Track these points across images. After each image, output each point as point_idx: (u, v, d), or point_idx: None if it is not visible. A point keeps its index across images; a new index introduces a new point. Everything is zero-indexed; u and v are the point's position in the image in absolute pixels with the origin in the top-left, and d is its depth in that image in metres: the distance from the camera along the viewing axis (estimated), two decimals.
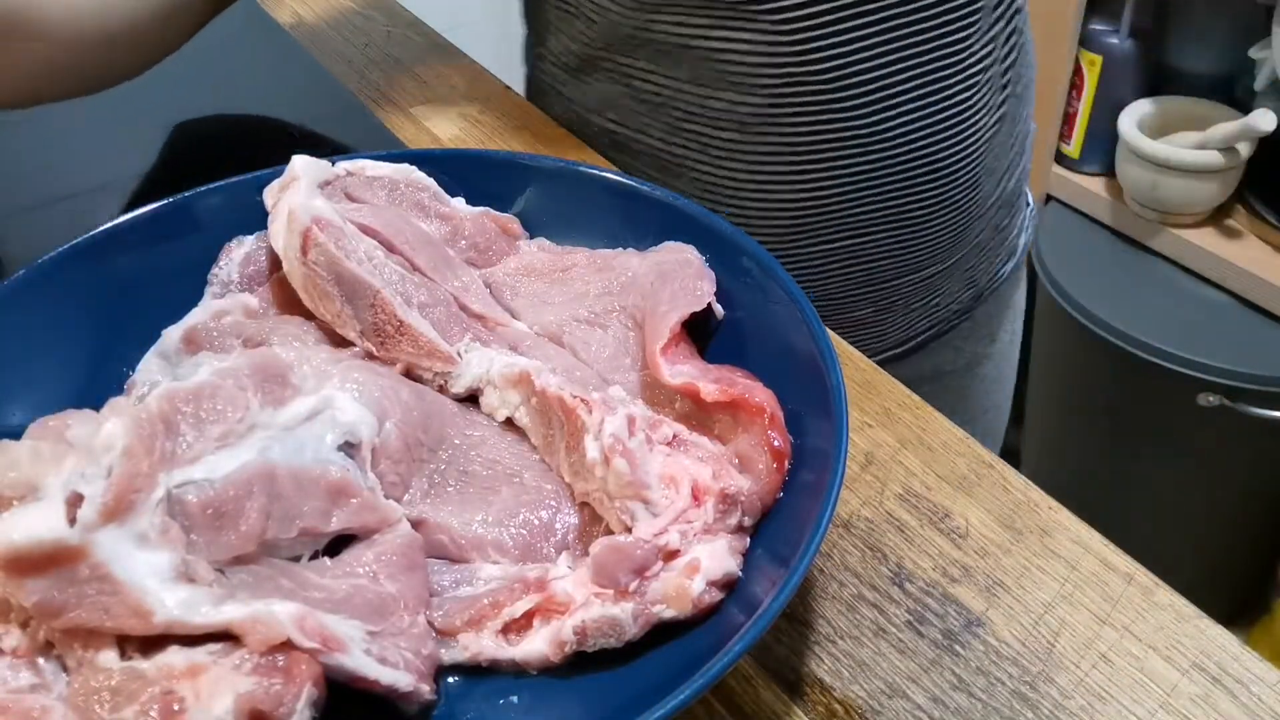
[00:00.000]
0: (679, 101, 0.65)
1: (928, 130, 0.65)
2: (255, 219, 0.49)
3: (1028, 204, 0.83)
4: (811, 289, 0.71)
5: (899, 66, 0.62)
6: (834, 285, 0.71)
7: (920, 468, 0.48)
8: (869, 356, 0.74)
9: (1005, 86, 0.69)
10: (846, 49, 0.61)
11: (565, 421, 0.40)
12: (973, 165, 0.68)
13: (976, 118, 0.67)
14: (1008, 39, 0.68)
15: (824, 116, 0.63)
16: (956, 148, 0.66)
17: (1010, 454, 1.57)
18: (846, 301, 0.72)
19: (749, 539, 0.39)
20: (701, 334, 0.46)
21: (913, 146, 0.65)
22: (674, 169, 0.68)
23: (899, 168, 0.65)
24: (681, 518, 0.37)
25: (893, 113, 0.63)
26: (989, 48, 0.65)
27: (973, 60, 0.64)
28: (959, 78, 0.64)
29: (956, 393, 0.83)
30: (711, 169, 0.67)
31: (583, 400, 0.40)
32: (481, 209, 0.51)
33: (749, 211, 0.67)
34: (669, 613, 0.36)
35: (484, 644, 0.37)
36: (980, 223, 0.73)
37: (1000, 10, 0.66)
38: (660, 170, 0.69)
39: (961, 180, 0.68)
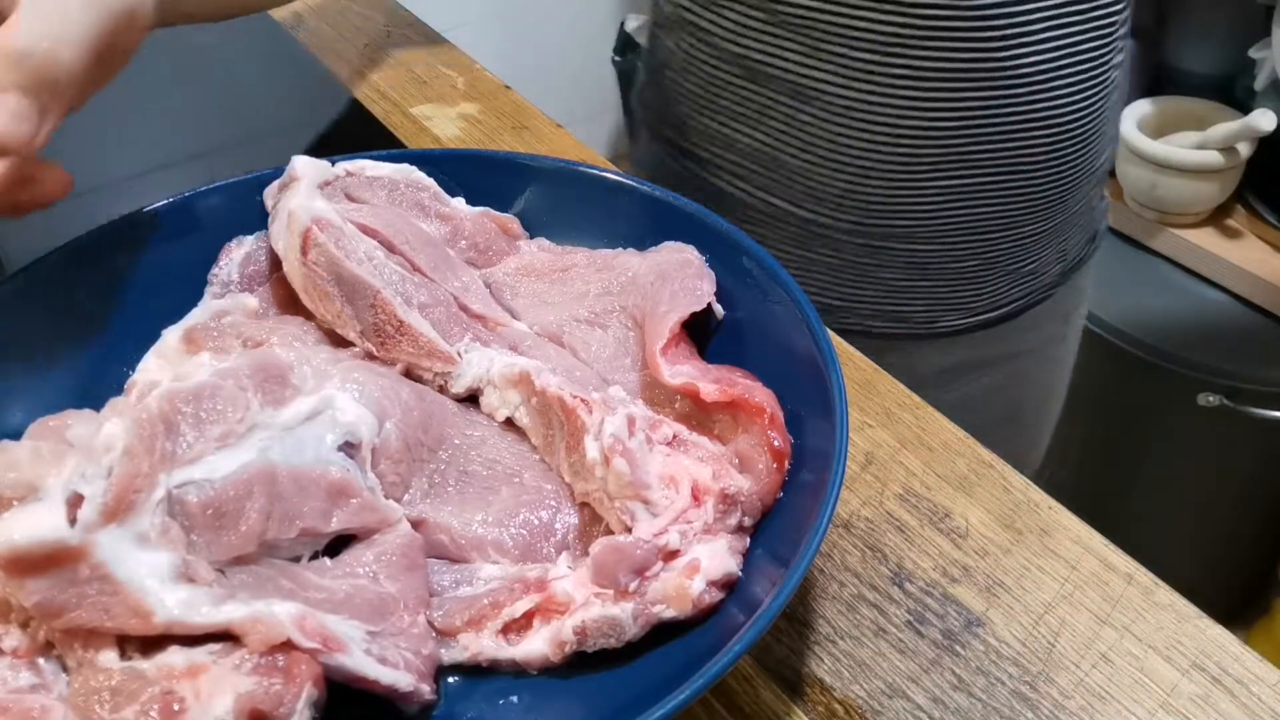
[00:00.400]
0: (821, 22, 0.64)
1: (1057, 74, 0.65)
2: (255, 219, 0.49)
3: (1104, 198, 0.83)
4: (924, 231, 0.70)
5: (1039, 4, 0.63)
6: (944, 229, 0.71)
7: (920, 468, 0.48)
8: (961, 319, 0.76)
9: (1120, 55, 0.70)
10: None
11: (565, 421, 0.40)
12: (1091, 121, 0.69)
13: (1102, 72, 0.67)
14: (1124, 10, 0.69)
15: (961, 44, 0.63)
16: (1080, 99, 0.67)
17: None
18: (954, 250, 0.72)
19: (749, 539, 0.39)
20: (701, 334, 0.46)
21: (1041, 89, 0.65)
22: (808, 94, 0.67)
23: (1024, 108, 0.66)
24: (681, 518, 0.37)
25: (1027, 50, 0.64)
26: (1120, 6, 0.67)
27: (1107, 12, 0.65)
28: (1094, 26, 0.65)
29: (1025, 373, 0.84)
30: (846, 92, 0.66)
31: (583, 400, 0.40)
32: (481, 209, 0.51)
33: (878, 138, 0.67)
34: (669, 613, 0.36)
35: (484, 644, 0.37)
36: (1083, 188, 0.74)
37: None
38: (793, 96, 0.68)
39: (1078, 134, 0.69)
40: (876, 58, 0.64)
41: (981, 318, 0.77)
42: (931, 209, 0.69)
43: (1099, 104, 0.69)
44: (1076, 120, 0.68)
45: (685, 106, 0.74)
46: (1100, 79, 0.67)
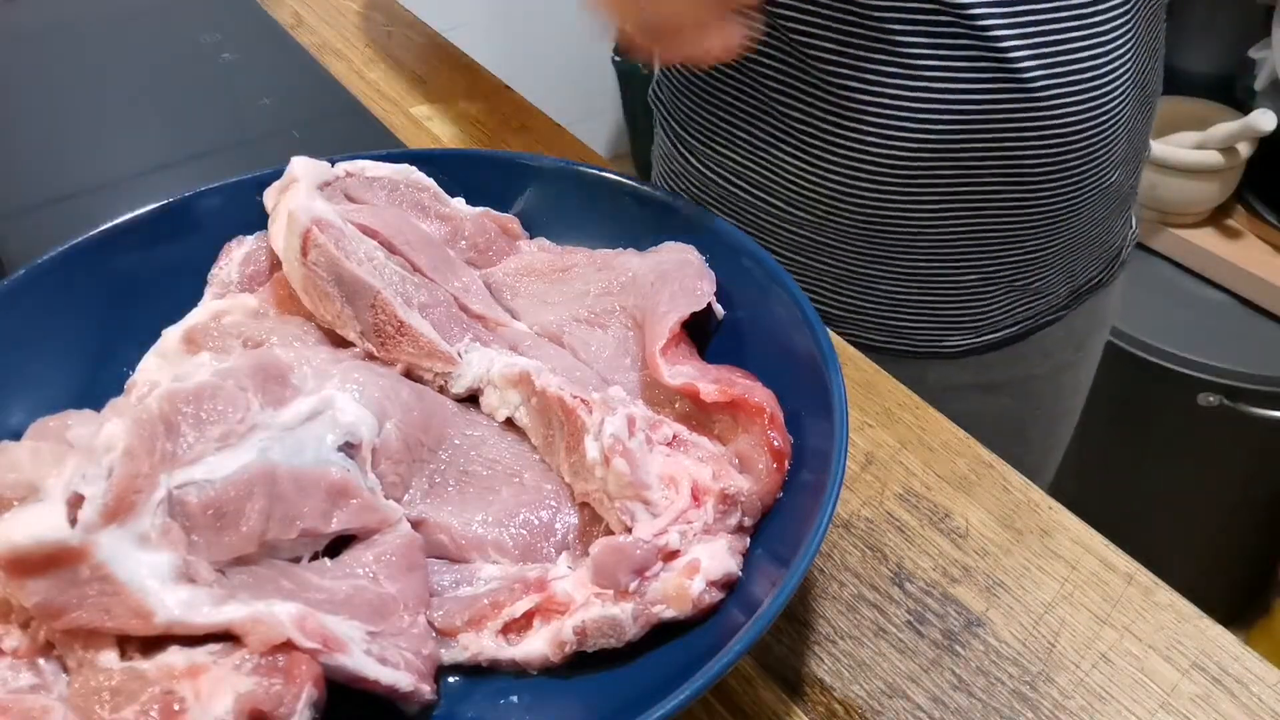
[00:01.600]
0: (810, 14, 0.63)
1: (1056, 80, 0.63)
2: (255, 219, 0.49)
3: (1133, 224, 0.81)
4: (920, 241, 0.69)
5: (1033, 6, 0.61)
6: (941, 239, 0.69)
7: (920, 468, 0.48)
8: (965, 340, 0.74)
9: (1144, 79, 0.69)
10: None
11: (565, 422, 0.40)
12: (1098, 133, 0.67)
13: (1107, 84, 0.65)
14: (1150, 34, 0.67)
15: (952, 41, 0.61)
16: (1084, 110, 0.65)
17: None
18: (952, 262, 0.71)
19: (749, 539, 0.39)
20: (701, 334, 0.46)
21: (1039, 95, 0.63)
22: (799, 89, 0.66)
23: (1021, 115, 0.64)
24: (681, 518, 0.37)
25: (1023, 54, 0.62)
26: (1123, 18, 0.65)
27: (1109, 19, 0.63)
28: (1095, 34, 0.63)
29: (1036, 397, 0.82)
30: (835, 88, 0.65)
31: (583, 400, 0.40)
32: (481, 209, 0.51)
33: (868, 138, 0.65)
34: (669, 613, 0.36)
35: (484, 644, 0.37)
36: (1092, 206, 0.72)
37: (1140, 8, 0.65)
38: (785, 92, 0.67)
39: (1083, 147, 0.67)
40: (865, 52, 0.63)
41: (986, 339, 0.76)
42: (926, 217, 0.68)
43: (1106, 117, 0.67)
44: (1081, 131, 0.66)
45: (691, 101, 0.73)
46: (1106, 91, 0.65)
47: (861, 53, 0.63)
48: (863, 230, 0.69)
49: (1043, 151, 0.66)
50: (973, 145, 0.65)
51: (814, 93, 0.65)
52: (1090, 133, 0.66)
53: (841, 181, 0.67)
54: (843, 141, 0.66)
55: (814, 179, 0.68)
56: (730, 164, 0.72)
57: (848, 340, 0.74)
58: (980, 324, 0.75)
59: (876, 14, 0.61)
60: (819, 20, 0.63)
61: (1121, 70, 0.66)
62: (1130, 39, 0.65)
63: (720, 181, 0.73)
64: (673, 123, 0.77)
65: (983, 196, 0.67)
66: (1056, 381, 0.83)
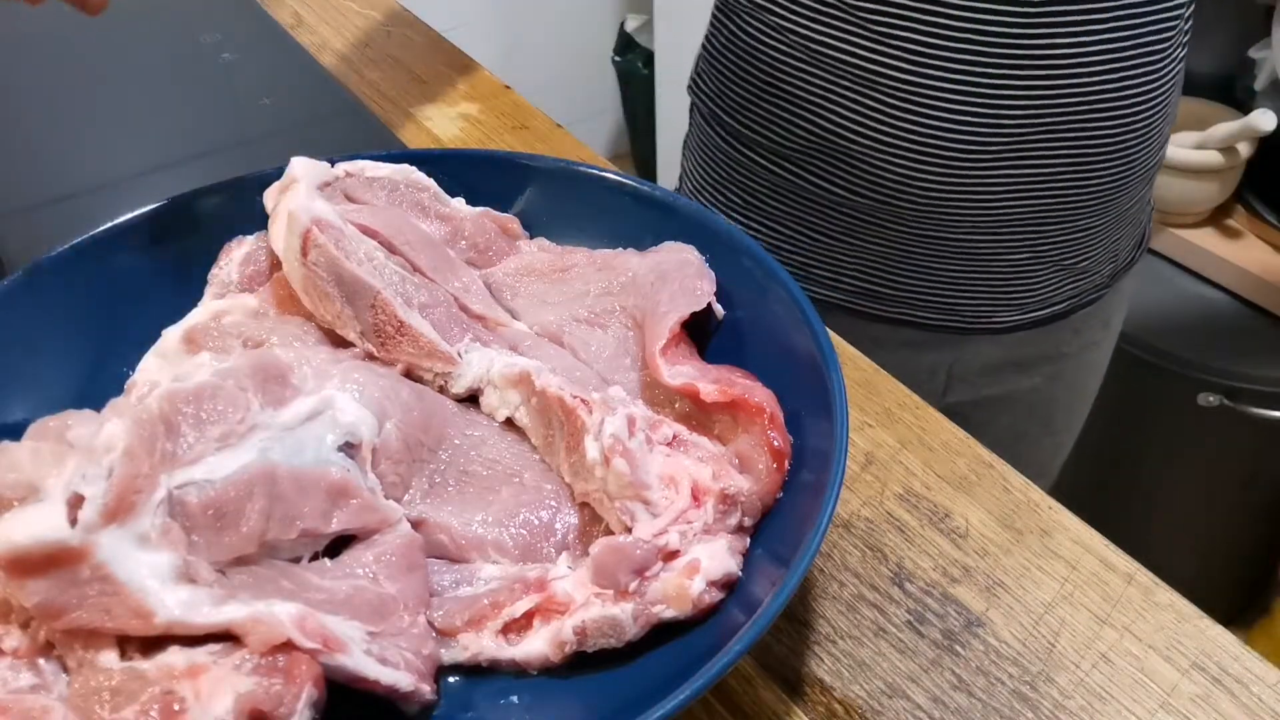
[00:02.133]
0: (885, 6, 0.64)
1: (1122, 64, 0.65)
2: (255, 219, 0.49)
3: (1150, 201, 0.83)
4: (981, 221, 0.70)
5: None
6: (1002, 219, 0.70)
7: (920, 468, 0.48)
8: (1012, 316, 0.75)
9: (1184, 48, 0.70)
10: None
11: (565, 422, 0.40)
12: (1155, 112, 0.68)
13: (1166, 64, 0.67)
14: (1190, 12, 0.68)
15: (1022, 30, 0.63)
16: (1144, 90, 0.67)
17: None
18: (1008, 241, 0.72)
19: (749, 539, 0.39)
20: (701, 334, 0.46)
21: (1104, 78, 0.65)
22: (871, 78, 0.67)
23: (1088, 98, 0.65)
24: (681, 518, 0.37)
25: (1091, 38, 0.63)
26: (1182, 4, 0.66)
27: (1175, 3, 0.65)
28: (1160, 17, 0.65)
29: (1065, 377, 0.83)
30: (909, 76, 0.66)
31: (583, 400, 0.40)
32: (481, 209, 0.51)
33: (939, 124, 0.66)
34: (669, 613, 0.36)
35: (484, 644, 0.37)
36: (1139, 185, 0.73)
37: None
38: (856, 81, 0.68)
39: (1141, 126, 0.68)
40: (939, 42, 0.64)
41: (1032, 315, 0.77)
42: (990, 198, 0.69)
43: (1163, 96, 0.68)
44: (1141, 111, 0.67)
45: (747, 91, 0.73)
46: (1164, 70, 0.67)
47: (936, 39, 0.64)
48: (925, 210, 0.70)
49: (1101, 133, 0.67)
50: (1036, 129, 0.66)
51: (885, 81, 0.66)
52: (1145, 111, 0.68)
53: (912, 166, 0.68)
54: (912, 127, 0.67)
55: (882, 164, 0.69)
56: (787, 149, 0.72)
57: (891, 318, 0.75)
58: (1029, 301, 0.76)
59: (949, 9, 0.62)
60: (894, 10, 0.64)
61: (1175, 51, 0.68)
62: (1181, 13, 0.67)
63: (772, 168, 0.74)
64: (720, 111, 0.77)
65: (1046, 178, 0.68)
66: (1082, 360, 0.84)
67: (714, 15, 0.77)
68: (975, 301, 0.75)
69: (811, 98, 0.69)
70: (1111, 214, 0.73)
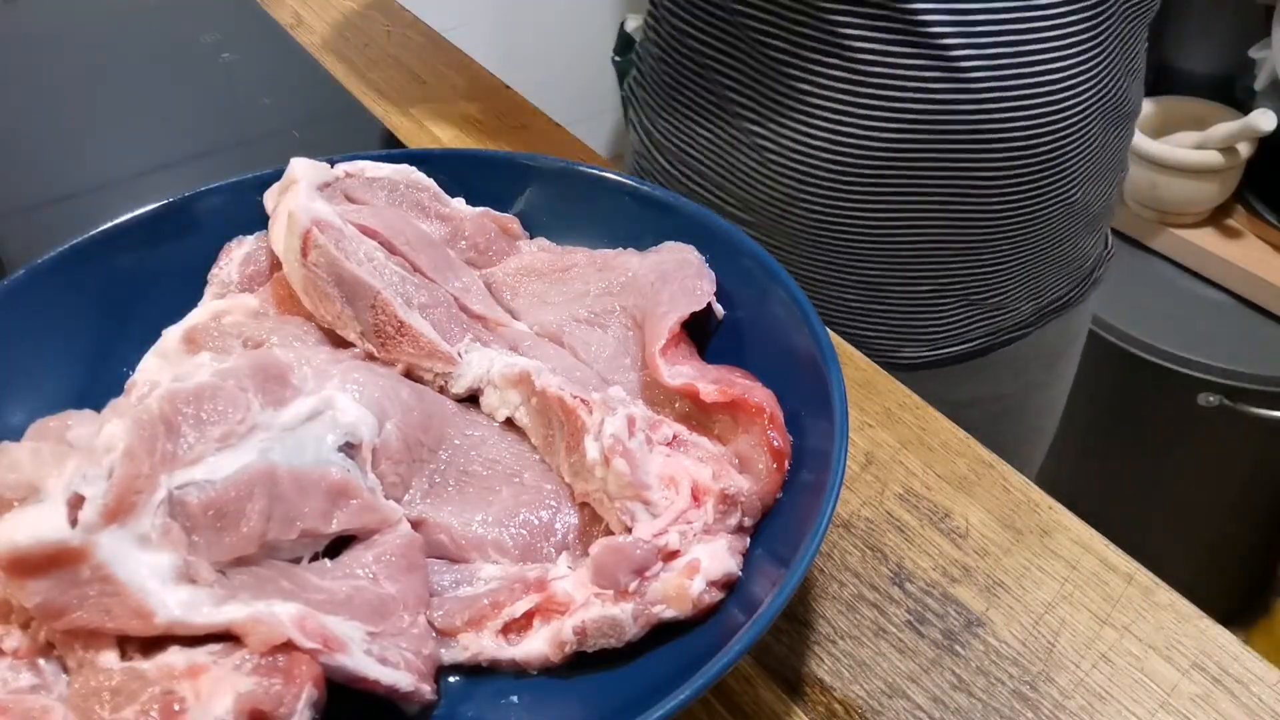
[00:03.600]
0: (756, 15, 0.62)
1: (1009, 90, 0.61)
2: (255, 219, 0.49)
3: (1108, 245, 0.79)
4: (872, 249, 0.67)
5: (985, 8, 0.59)
6: (893, 248, 0.67)
7: (920, 468, 0.48)
8: (923, 352, 0.73)
9: (1116, 99, 0.66)
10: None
11: (565, 422, 0.40)
12: (1056, 147, 0.64)
13: (1068, 97, 0.63)
14: (1126, 54, 0.65)
15: (899, 44, 0.60)
16: (1040, 121, 0.62)
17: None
18: (906, 272, 0.69)
19: (749, 539, 0.39)
20: (701, 334, 0.46)
21: (990, 105, 0.61)
22: (751, 93, 0.66)
23: (972, 123, 0.62)
24: (681, 518, 0.37)
25: (973, 60, 0.60)
26: (1085, 31, 0.62)
27: (1068, 34, 0.61)
28: (1051, 45, 0.61)
29: (1007, 416, 0.81)
30: (785, 91, 0.64)
31: (583, 400, 0.40)
32: (481, 209, 0.51)
33: (816, 143, 0.64)
34: (669, 613, 0.36)
35: (484, 644, 0.37)
36: (1055, 224, 0.69)
37: (1111, 22, 0.63)
38: (739, 95, 0.66)
39: (1038, 161, 0.64)
40: (815, 52, 0.61)
41: (943, 352, 0.74)
42: (875, 224, 0.66)
43: (1065, 132, 0.64)
44: (1035, 145, 0.63)
45: (660, 98, 0.73)
46: (1063, 105, 0.62)
47: (812, 53, 0.61)
48: (813, 235, 0.68)
49: (994, 163, 0.63)
50: (921, 153, 0.63)
51: (767, 93, 0.65)
52: (1046, 147, 0.64)
53: (791, 185, 0.66)
54: (792, 144, 0.65)
55: (766, 182, 0.67)
56: (693, 163, 0.71)
57: None
58: (937, 337, 0.73)
59: (828, 14, 0.60)
60: (773, 16, 0.62)
61: (1084, 86, 0.63)
62: (1096, 55, 0.63)
63: (684, 180, 0.73)
64: (644, 119, 0.76)
65: (934, 206, 0.65)
66: (1027, 401, 0.81)
67: (643, 23, 0.76)
68: (879, 335, 0.73)
69: (703, 112, 0.68)
70: (1024, 252, 0.69)
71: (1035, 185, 0.66)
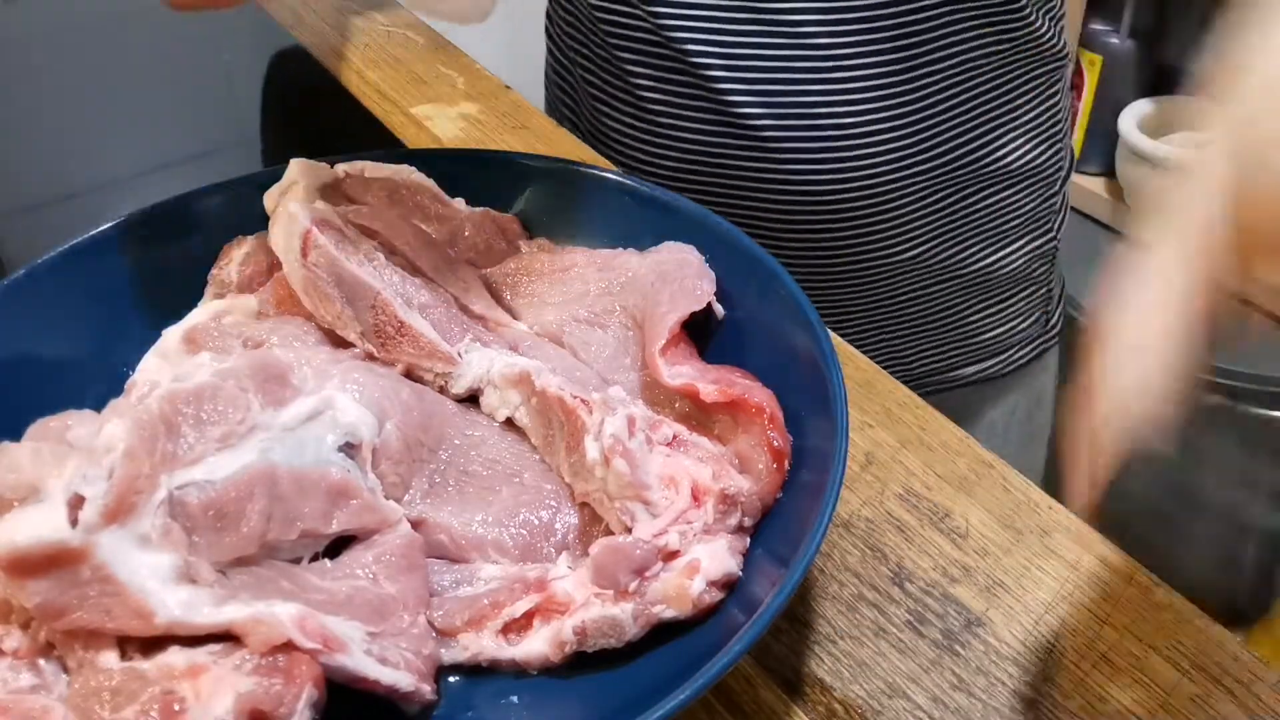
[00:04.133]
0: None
1: (794, 138, 0.58)
2: (255, 219, 0.49)
3: (1036, 319, 0.74)
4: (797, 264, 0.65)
5: (775, 55, 0.56)
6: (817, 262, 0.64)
7: (920, 468, 0.48)
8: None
9: (963, 151, 0.61)
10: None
11: (565, 422, 0.40)
12: (855, 200, 0.59)
13: (865, 148, 0.58)
14: (1054, 133, 0.62)
15: (684, 76, 0.57)
16: (831, 173, 0.58)
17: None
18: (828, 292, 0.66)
19: (749, 539, 0.39)
20: (701, 334, 0.46)
21: (776, 144, 0.57)
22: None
23: (759, 163, 0.58)
24: (681, 518, 0.37)
25: (759, 100, 0.56)
26: (914, 93, 0.58)
27: (923, 85, 0.57)
28: (904, 91, 0.57)
29: (995, 437, 0.79)
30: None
31: (583, 400, 0.40)
32: (481, 209, 0.51)
33: (632, 167, 0.62)
34: (669, 613, 0.36)
35: (484, 644, 0.37)
36: (940, 292, 0.64)
37: (1050, 89, 0.60)
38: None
39: (834, 210, 0.60)
40: (604, 84, 0.59)
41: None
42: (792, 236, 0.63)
43: (859, 179, 0.58)
44: (824, 192, 0.59)
45: (592, 88, 0.71)
46: (852, 152, 0.57)
47: (602, 82, 0.60)
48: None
49: (784, 208, 0.60)
50: (709, 191, 0.60)
51: (589, 120, 0.63)
52: (838, 194, 0.59)
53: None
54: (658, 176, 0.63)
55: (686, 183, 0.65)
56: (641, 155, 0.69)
57: None
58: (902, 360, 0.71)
59: (610, 41, 0.58)
60: (582, 40, 0.60)
61: (895, 138, 0.59)
62: (907, 105, 0.59)
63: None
64: (582, 110, 0.75)
65: (787, 261, 0.62)
66: (1010, 428, 0.79)
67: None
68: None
69: (649, 112, 0.66)
70: (861, 309, 0.64)
71: (838, 236, 0.61)
